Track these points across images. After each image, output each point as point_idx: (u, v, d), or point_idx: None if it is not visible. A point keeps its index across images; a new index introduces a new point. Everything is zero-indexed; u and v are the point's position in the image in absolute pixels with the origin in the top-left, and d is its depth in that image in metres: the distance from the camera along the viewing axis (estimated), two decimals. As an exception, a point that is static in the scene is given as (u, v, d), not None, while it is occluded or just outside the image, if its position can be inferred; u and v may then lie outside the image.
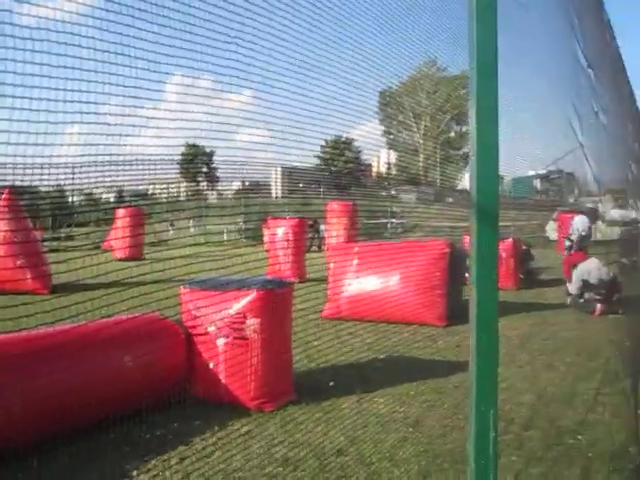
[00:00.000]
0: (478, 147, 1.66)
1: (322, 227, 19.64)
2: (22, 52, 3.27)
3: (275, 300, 4.96)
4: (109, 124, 4.30)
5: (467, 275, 8.31)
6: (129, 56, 3.74)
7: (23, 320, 4.17)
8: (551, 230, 19.44)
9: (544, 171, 13.87)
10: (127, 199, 12.00)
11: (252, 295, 4.86)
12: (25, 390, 3.94)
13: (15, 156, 3.58)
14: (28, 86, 3.31)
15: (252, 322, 4.81)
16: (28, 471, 3.80)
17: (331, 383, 5.55)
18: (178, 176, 5.99)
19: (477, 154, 1.66)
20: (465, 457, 3.91)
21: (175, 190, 6.75)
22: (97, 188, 4.76)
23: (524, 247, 13.07)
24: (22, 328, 4.30)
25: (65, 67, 3.38)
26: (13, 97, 3.38)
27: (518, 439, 4.29)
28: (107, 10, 3.74)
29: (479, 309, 1.67)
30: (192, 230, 11.65)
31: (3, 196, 11.54)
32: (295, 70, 5.55)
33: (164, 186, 6.02)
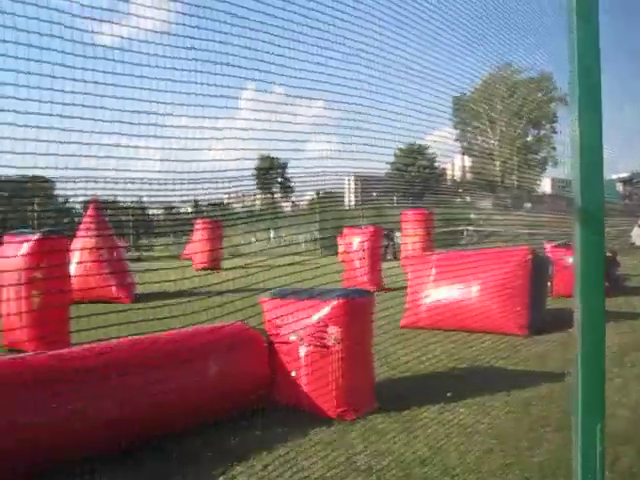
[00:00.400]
0: (581, 151, 1.60)
1: (397, 235, 19.51)
2: (104, 64, 3.43)
3: (356, 309, 4.96)
4: (186, 137, 4.43)
5: (550, 284, 8.07)
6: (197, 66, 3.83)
7: (110, 329, 4.35)
8: (636, 236, 18.66)
9: (626, 174, 13.34)
10: (204, 211, 12.32)
11: (333, 304, 4.87)
12: (119, 397, 4.08)
13: (98, 169, 3.73)
14: (109, 96, 3.44)
15: (333, 331, 4.82)
16: (119, 476, 3.93)
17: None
18: (254, 188, 6.08)
19: (580, 158, 1.60)
20: (554, 471, 3.79)
21: (251, 201, 6.88)
22: (175, 200, 4.91)
23: (609, 254, 12.57)
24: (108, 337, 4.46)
25: (148, 78, 3.51)
26: (94, 107, 3.53)
27: (613, 454, 4.11)
28: (183, 25, 3.85)
29: (585, 319, 1.60)
30: (272, 240, 11.81)
31: (89, 209, 12.07)
32: (366, 77, 5.54)
33: (240, 197, 6.14)
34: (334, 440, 4.50)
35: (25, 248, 7.43)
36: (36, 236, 7.51)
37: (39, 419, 3.74)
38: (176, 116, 4.09)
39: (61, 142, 3.18)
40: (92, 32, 3.25)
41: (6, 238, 8.22)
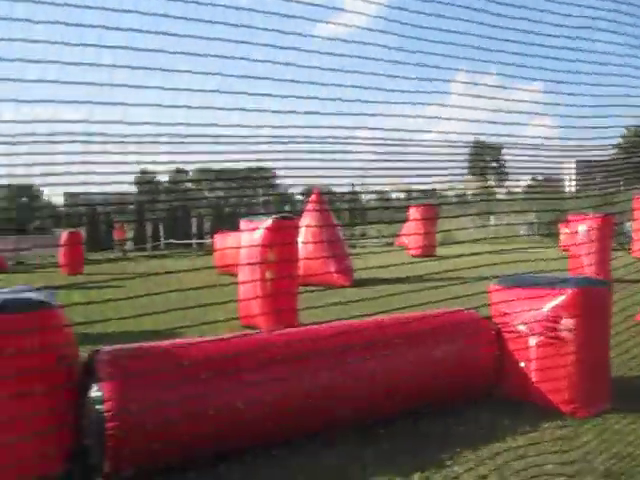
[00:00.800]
0: None
1: (627, 224, 17.93)
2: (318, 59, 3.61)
3: (593, 299, 4.67)
4: (401, 117, 4.47)
5: None
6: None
7: (332, 311, 4.55)
8: None
9: None
10: (416, 197, 12.41)
11: (568, 293, 4.63)
12: (339, 375, 4.25)
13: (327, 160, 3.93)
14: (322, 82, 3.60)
15: (567, 322, 4.58)
16: (354, 450, 4.11)
17: None
18: (467, 173, 5.97)
19: None
20: None
21: (464, 188, 6.75)
22: (388, 187, 5.00)
23: None
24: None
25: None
26: (308, 98, 3.70)
27: None
28: (390, 20, 3.90)
29: None
30: (490, 227, 11.57)
31: (312, 197, 12.79)
32: (588, 53, 5.12)
33: (453, 183, 6.06)
34: (567, 436, 4.29)
35: (259, 232, 8.05)
36: (269, 221, 8.09)
37: (287, 390, 4.06)
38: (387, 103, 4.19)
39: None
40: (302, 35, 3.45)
41: (242, 224, 9.02)
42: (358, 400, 4.27)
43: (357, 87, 4.02)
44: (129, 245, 36.67)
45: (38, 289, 4.01)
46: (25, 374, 3.30)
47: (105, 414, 3.42)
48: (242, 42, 3.32)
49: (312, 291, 5.03)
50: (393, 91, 4.44)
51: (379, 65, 4.00)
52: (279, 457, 3.97)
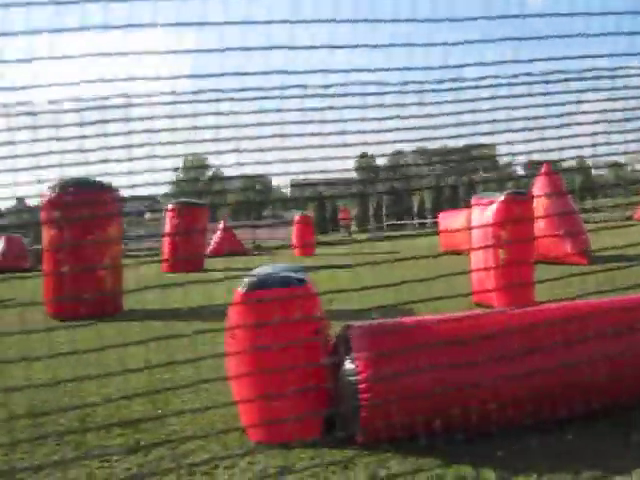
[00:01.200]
0: None
1: None
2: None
3: None
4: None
5: None
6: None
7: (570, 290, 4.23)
8: None
9: None
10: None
11: None
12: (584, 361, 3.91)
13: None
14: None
15: None
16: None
17: None
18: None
19: None
20: None
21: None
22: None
23: None
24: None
25: None
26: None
27: None
28: None
29: None
30: None
31: (542, 170, 12.19)
32: None
33: None
34: None
35: (492, 209, 7.84)
36: (501, 197, 7.85)
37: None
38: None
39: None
40: None
41: (474, 200, 8.87)
42: (577, 387, 3.89)
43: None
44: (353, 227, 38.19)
45: (291, 268, 4.31)
46: (288, 342, 3.60)
47: (359, 386, 3.56)
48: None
49: (552, 280, 4.65)
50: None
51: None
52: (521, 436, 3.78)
